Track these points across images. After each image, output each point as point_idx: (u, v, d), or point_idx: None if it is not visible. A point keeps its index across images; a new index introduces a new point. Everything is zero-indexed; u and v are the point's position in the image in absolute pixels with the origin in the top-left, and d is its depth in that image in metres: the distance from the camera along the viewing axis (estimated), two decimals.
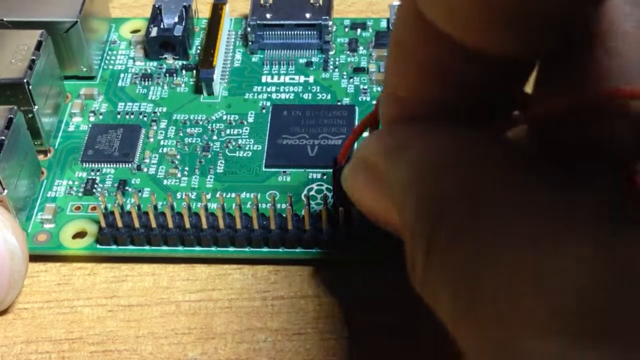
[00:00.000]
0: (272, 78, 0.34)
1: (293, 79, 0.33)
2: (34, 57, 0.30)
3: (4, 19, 0.32)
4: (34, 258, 0.28)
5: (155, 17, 0.34)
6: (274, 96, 0.33)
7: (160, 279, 0.28)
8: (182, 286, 0.28)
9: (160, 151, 0.31)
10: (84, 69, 0.33)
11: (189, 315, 0.27)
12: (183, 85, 0.33)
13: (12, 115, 0.28)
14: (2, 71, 0.29)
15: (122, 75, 0.34)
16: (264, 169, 0.30)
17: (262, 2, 0.34)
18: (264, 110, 0.32)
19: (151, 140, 0.31)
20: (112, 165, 0.31)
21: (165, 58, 0.34)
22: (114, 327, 0.27)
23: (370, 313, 0.27)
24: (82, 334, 0.27)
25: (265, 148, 0.31)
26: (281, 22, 0.34)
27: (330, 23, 0.34)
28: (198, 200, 0.29)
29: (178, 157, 0.31)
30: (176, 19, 0.34)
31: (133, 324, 0.27)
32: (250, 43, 0.34)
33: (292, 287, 0.28)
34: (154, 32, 0.34)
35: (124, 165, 0.30)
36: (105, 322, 0.27)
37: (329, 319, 0.27)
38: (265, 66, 0.34)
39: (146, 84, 0.33)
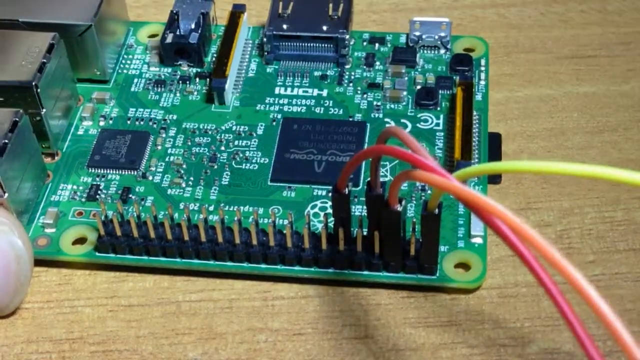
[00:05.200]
0: (285, 90, 0.33)
1: (306, 91, 0.33)
2: (45, 60, 0.30)
3: (20, 20, 0.32)
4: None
5: (172, 22, 0.34)
6: (285, 108, 0.32)
7: (160, 279, 0.28)
8: (183, 286, 0.28)
9: (166, 159, 0.31)
10: (98, 73, 0.33)
11: (190, 315, 0.27)
12: (195, 93, 0.33)
13: (17, 119, 0.28)
14: (11, 73, 0.29)
15: (135, 80, 0.34)
16: (269, 183, 0.30)
17: (280, 11, 0.34)
18: (274, 123, 0.32)
19: (159, 147, 0.31)
20: (117, 172, 0.30)
21: (180, 65, 0.34)
22: (114, 327, 0.27)
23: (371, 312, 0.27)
24: (83, 334, 0.27)
25: (272, 162, 0.30)
26: (298, 33, 0.33)
27: (347, 37, 0.33)
28: (200, 212, 0.28)
29: (184, 166, 0.30)
30: (193, 26, 0.33)
31: (133, 324, 0.27)
32: (265, 53, 0.34)
33: (292, 288, 0.28)
34: (169, 38, 0.33)
35: (129, 172, 0.30)
36: (106, 322, 0.27)
37: (329, 319, 0.27)
38: (279, 77, 0.34)
39: (159, 90, 0.33)
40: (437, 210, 0.25)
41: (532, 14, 0.38)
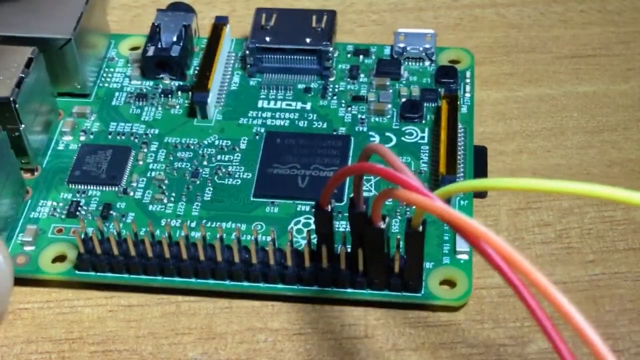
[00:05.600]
0: (269, 103, 0.33)
1: (290, 105, 0.33)
2: (23, 75, 0.29)
3: None
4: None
5: (154, 35, 0.33)
6: (268, 122, 0.32)
7: None
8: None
9: (148, 175, 0.30)
10: (78, 87, 0.33)
11: (189, 315, 0.27)
12: (178, 107, 0.33)
13: None
14: None
15: (116, 94, 0.33)
16: (252, 199, 0.30)
17: (263, 23, 0.34)
18: (257, 137, 0.32)
19: (140, 163, 0.31)
20: (98, 188, 0.30)
21: (162, 78, 0.34)
22: (114, 327, 0.27)
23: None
24: (82, 334, 0.27)
25: (255, 177, 0.30)
26: (281, 46, 0.33)
27: (330, 49, 0.33)
28: (182, 229, 0.28)
29: (166, 182, 0.30)
30: (175, 38, 0.33)
31: (133, 324, 0.27)
32: (248, 66, 0.33)
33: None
34: (151, 51, 0.33)
35: (110, 189, 0.30)
36: (106, 322, 0.27)
37: (329, 319, 0.27)
38: (262, 90, 0.33)
39: (140, 104, 0.33)
40: (420, 227, 0.24)
41: (532, 13, 0.37)
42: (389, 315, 0.27)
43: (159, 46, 0.33)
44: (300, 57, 0.33)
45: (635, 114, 0.33)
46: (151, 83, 0.34)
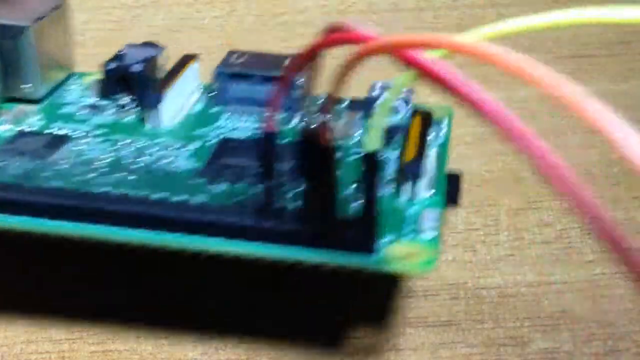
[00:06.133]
0: (230, 122, 0.29)
1: (253, 124, 0.29)
2: None
3: None
4: None
5: (118, 56, 0.30)
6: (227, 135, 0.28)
7: None
8: None
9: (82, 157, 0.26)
10: (29, 89, 0.29)
11: (190, 315, 0.27)
12: (132, 116, 0.29)
13: None
14: None
15: (69, 106, 0.30)
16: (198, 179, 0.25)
17: (234, 59, 0.30)
18: (209, 143, 0.28)
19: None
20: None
21: (121, 98, 0.30)
22: (114, 327, 0.27)
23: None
24: (83, 334, 0.27)
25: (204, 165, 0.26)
26: (250, 72, 0.29)
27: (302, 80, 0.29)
28: None
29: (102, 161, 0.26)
30: (139, 61, 0.30)
31: (133, 324, 0.27)
32: (214, 93, 0.30)
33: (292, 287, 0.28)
34: (112, 65, 0.30)
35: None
36: (106, 322, 0.27)
37: (330, 319, 0.27)
38: (225, 114, 0.30)
39: (92, 111, 0.29)
40: (378, 148, 0.19)
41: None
42: (389, 315, 0.27)
43: (123, 63, 0.30)
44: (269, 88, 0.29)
45: (635, 114, 0.33)
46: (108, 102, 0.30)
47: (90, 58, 0.32)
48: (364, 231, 0.20)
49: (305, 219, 0.21)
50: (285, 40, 0.38)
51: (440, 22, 0.37)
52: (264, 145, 0.21)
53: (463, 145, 0.32)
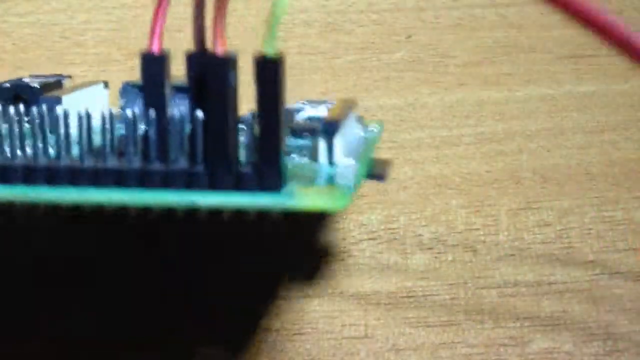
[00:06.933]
0: None
1: None
2: None
3: None
4: None
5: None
6: None
7: None
8: None
9: None
10: None
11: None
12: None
13: None
14: None
15: None
16: None
17: None
18: None
19: None
20: None
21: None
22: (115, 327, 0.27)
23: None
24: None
25: None
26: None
27: None
28: None
29: None
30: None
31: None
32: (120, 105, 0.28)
33: (291, 287, 0.28)
34: (8, 83, 0.26)
35: None
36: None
37: (329, 319, 0.27)
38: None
39: None
40: (278, 52, 0.15)
41: (532, 13, 0.37)
42: (389, 315, 0.27)
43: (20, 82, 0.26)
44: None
45: (635, 114, 0.33)
46: None
47: (90, 58, 0.32)
48: (268, 165, 0.16)
49: (194, 156, 0.16)
50: (286, 41, 0.38)
51: (440, 22, 0.37)
52: (148, 70, 0.17)
53: (463, 145, 0.32)
